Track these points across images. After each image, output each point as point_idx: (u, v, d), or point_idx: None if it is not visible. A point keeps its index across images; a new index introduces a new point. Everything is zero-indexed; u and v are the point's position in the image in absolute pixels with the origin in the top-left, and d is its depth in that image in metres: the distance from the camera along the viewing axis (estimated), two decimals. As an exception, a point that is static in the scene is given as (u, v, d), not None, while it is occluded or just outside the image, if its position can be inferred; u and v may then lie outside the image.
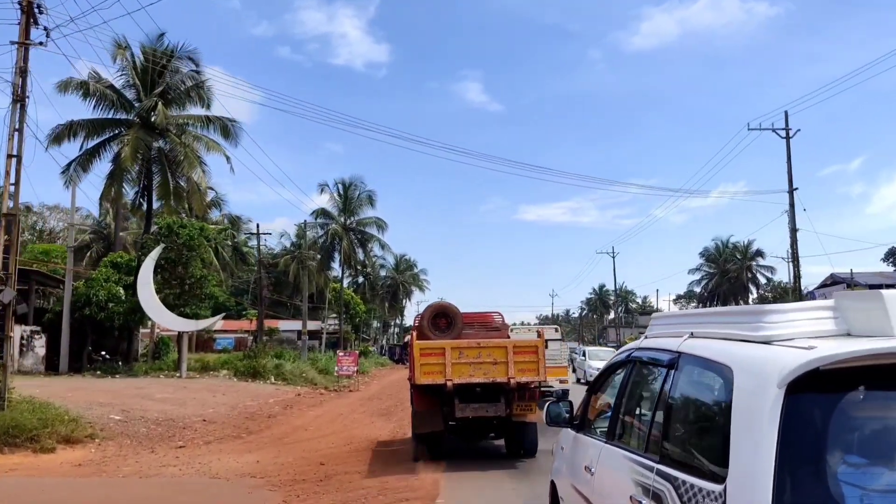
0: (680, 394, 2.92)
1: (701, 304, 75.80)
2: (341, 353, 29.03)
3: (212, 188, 45.40)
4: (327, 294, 64.55)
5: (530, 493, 8.41)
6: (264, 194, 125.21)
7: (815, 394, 2.07)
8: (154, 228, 28.72)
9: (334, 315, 70.69)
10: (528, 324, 36.17)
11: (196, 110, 30.16)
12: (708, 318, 3.17)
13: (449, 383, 10.06)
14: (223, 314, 37.04)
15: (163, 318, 26.51)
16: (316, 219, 54.05)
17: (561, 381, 17.17)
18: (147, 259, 25.80)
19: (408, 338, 18.01)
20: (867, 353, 2.07)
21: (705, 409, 2.76)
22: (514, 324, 20.91)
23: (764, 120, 31.77)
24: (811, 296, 47.56)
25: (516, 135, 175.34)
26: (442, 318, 11.34)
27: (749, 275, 69.61)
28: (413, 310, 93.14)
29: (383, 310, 78.22)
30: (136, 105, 28.93)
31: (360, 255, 56.70)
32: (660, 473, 2.73)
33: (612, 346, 42.51)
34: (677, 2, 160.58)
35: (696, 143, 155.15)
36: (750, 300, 70.30)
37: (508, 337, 11.81)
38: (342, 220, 54.18)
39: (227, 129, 29.38)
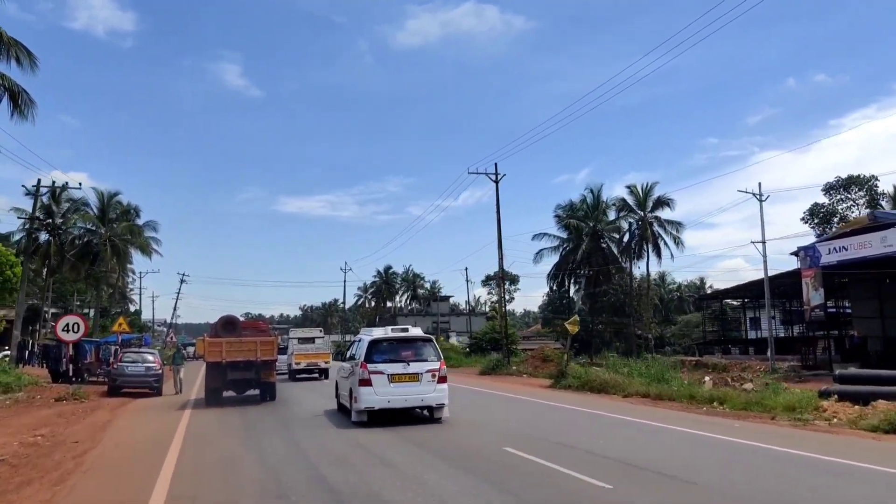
0: (358, 344, 16.08)
1: (553, 288, 54.00)
2: None
3: None
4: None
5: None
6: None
7: (376, 342, 14.84)
8: None
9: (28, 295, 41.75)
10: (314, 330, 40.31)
11: None
12: (370, 328, 17.83)
13: (223, 360, 19.74)
14: None
15: None
16: None
17: (325, 362, 33.29)
18: None
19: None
20: (378, 336, 15.14)
21: (361, 346, 15.44)
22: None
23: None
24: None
25: (277, 123, 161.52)
26: (230, 324, 20.78)
27: (650, 232, 48.05)
28: (132, 283, 70.49)
29: (94, 288, 49.85)
30: None
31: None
32: (350, 362, 16.08)
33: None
34: (441, 3, 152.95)
35: (454, 146, 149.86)
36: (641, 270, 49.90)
37: (271, 336, 21.55)
38: None
39: None
